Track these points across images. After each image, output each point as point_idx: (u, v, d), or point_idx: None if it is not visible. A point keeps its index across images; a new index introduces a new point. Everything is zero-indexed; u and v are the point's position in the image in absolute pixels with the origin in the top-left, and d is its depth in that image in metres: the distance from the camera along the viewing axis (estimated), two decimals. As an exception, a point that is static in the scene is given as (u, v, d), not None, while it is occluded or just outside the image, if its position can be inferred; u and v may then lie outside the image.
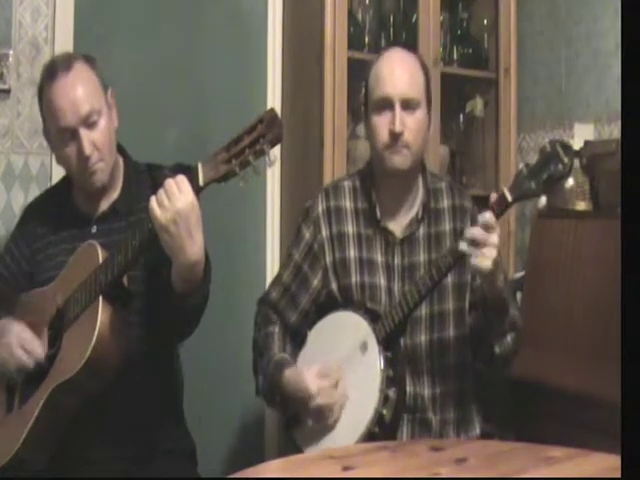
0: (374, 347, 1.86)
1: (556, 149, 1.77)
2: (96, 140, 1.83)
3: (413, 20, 2.85)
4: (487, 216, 1.75)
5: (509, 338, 1.94)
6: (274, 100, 2.83)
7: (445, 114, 2.89)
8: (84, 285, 1.75)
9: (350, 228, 2.03)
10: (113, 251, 1.73)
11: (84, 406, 1.76)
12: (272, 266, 2.81)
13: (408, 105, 1.95)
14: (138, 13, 2.61)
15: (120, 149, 1.96)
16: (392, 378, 1.83)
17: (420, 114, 1.97)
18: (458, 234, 1.94)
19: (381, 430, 1.79)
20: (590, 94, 2.94)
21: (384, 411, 1.80)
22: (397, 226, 2.02)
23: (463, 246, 1.76)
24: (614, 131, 2.81)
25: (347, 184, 2.08)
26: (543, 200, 2.78)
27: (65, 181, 2.01)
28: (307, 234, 2.05)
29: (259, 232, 2.87)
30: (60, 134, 1.83)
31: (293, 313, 2.05)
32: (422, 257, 2.00)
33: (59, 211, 1.96)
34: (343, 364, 1.88)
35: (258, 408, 2.80)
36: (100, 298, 1.71)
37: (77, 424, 1.78)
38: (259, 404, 2.70)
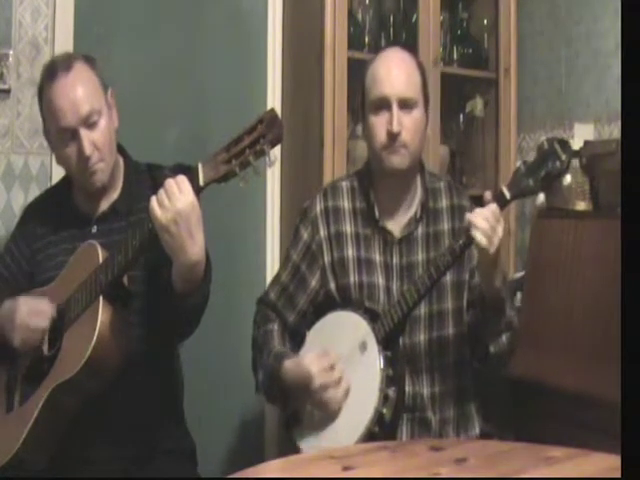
0: (373, 346, 1.86)
1: (554, 146, 1.77)
2: (96, 140, 1.83)
3: (413, 20, 2.85)
4: (493, 207, 1.76)
5: (504, 338, 1.95)
6: (274, 100, 2.83)
7: (445, 114, 2.89)
8: (84, 285, 1.75)
9: (348, 228, 2.03)
10: (113, 251, 1.73)
11: (84, 406, 1.77)
12: (272, 266, 2.81)
13: (405, 105, 1.95)
14: (138, 13, 2.61)
15: (120, 149, 1.96)
16: (392, 377, 1.83)
17: (417, 114, 1.97)
18: (457, 233, 1.94)
19: (381, 429, 1.79)
20: (590, 94, 2.94)
21: (384, 410, 1.80)
22: (395, 226, 2.02)
23: (469, 216, 1.76)
24: (614, 131, 2.81)
25: (345, 184, 2.08)
26: (541, 198, 2.78)
27: (65, 181, 2.01)
28: (305, 234, 2.05)
29: (259, 232, 2.87)
30: (60, 134, 1.83)
31: (291, 313, 2.05)
32: (420, 256, 2.00)
33: (59, 211, 1.96)
34: (343, 364, 1.88)
35: (258, 408, 2.80)
36: (100, 298, 1.72)
37: (77, 424, 1.78)
38: (259, 404, 2.72)
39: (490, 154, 3.04)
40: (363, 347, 1.88)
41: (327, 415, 1.86)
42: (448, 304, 2.00)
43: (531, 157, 1.82)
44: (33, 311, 1.78)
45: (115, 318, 1.72)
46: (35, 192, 2.32)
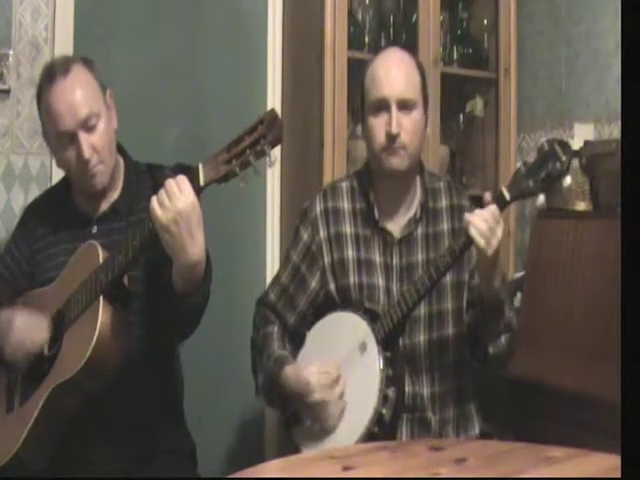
0: (373, 347, 1.86)
1: (554, 147, 1.77)
2: (95, 143, 1.82)
3: (413, 20, 2.86)
4: (493, 208, 1.76)
5: (503, 339, 1.95)
6: (274, 100, 2.83)
7: (445, 114, 2.89)
8: (84, 285, 1.75)
9: (348, 229, 2.03)
10: (113, 251, 1.73)
11: (84, 406, 1.77)
12: (272, 266, 2.81)
13: (405, 106, 1.95)
14: (138, 13, 2.62)
15: (120, 149, 1.96)
16: (391, 378, 1.83)
17: (417, 114, 1.97)
18: (456, 234, 1.94)
19: (381, 430, 1.79)
20: (590, 94, 2.94)
21: (384, 411, 1.80)
22: (395, 226, 2.02)
23: (468, 216, 1.76)
24: (614, 131, 2.81)
25: (345, 185, 2.08)
26: (541, 199, 2.78)
27: (65, 181, 2.01)
28: (305, 235, 2.05)
29: (259, 232, 2.87)
30: (59, 138, 1.83)
31: (291, 314, 2.05)
32: (420, 257, 2.00)
33: (59, 211, 1.96)
34: (342, 364, 1.88)
35: (258, 408, 2.80)
36: (101, 298, 1.72)
37: (77, 424, 1.78)
38: (259, 404, 2.71)
39: (490, 154, 3.04)
40: (363, 348, 1.88)
41: (322, 428, 1.86)
42: (448, 304, 2.00)
43: (531, 157, 1.82)
44: (30, 328, 1.78)
45: (115, 318, 1.72)
46: (35, 192, 2.33)
